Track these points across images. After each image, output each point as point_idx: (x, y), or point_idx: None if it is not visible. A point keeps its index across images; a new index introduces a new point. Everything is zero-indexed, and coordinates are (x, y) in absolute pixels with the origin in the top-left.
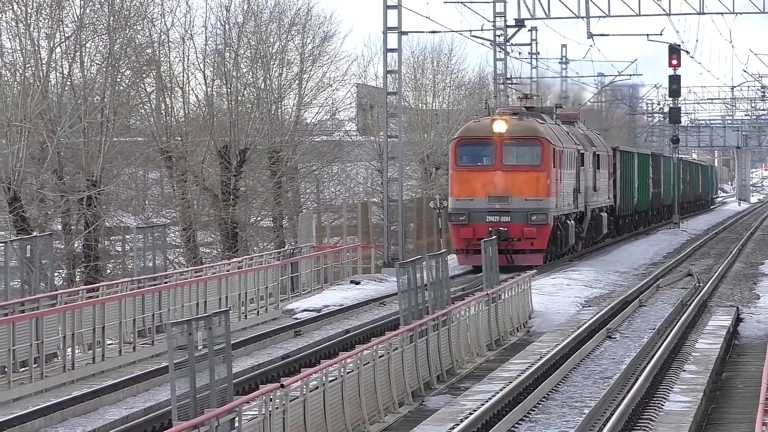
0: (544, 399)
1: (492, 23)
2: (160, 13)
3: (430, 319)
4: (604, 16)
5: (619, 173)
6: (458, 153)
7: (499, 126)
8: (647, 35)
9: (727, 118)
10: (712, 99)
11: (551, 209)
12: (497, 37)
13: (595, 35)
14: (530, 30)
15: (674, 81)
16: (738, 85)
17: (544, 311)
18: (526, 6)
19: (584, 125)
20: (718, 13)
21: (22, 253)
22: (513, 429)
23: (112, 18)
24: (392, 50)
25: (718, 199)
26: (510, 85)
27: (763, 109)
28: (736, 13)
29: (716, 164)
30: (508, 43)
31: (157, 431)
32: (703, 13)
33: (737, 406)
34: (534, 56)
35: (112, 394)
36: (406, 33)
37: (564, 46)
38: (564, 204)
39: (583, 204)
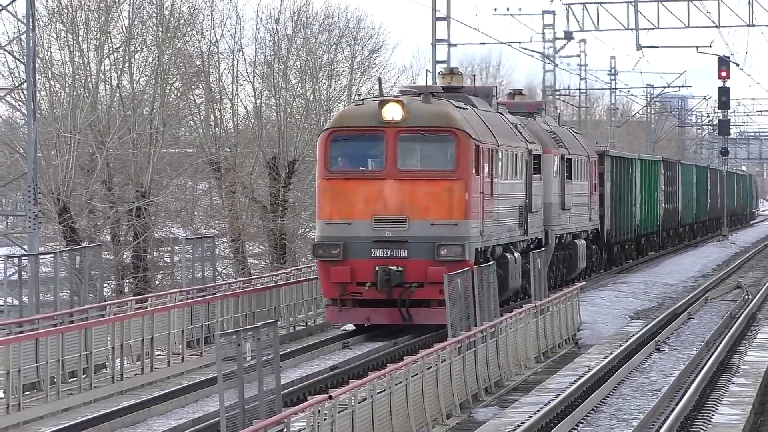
0: (592, 411)
1: (541, 35)
2: (209, 24)
3: (478, 331)
4: (653, 28)
5: (609, 186)
6: (329, 152)
7: (392, 111)
8: (696, 47)
9: None
10: (761, 111)
11: (471, 238)
12: (546, 49)
13: (644, 47)
14: (579, 42)
15: (723, 93)
16: None
17: (592, 323)
18: (575, 18)
19: (554, 119)
20: (767, 25)
21: (71, 263)
22: None
23: (160, 29)
24: (441, 62)
25: (762, 212)
26: (559, 97)
27: None
28: None
29: (766, 176)
30: (557, 55)
31: None
32: (753, 25)
33: None
34: (583, 68)
35: (161, 405)
36: (455, 45)
37: (613, 57)
38: (499, 230)
39: (541, 229)
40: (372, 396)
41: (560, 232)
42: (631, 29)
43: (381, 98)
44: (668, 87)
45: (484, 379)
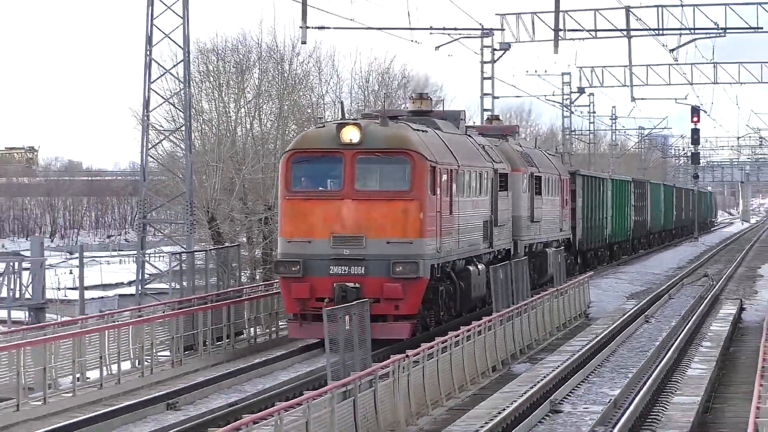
0: (598, 366)
1: (561, 90)
2: (317, 82)
3: (515, 308)
4: (643, 85)
5: (581, 201)
6: (291, 173)
7: (350, 134)
8: (675, 99)
9: (734, 160)
10: (723, 146)
11: (426, 255)
12: (564, 100)
13: (636, 99)
14: (589, 95)
15: (695, 133)
16: (742, 136)
17: (598, 302)
18: (586, 77)
19: (529, 141)
20: (728, 83)
21: (218, 258)
22: (576, 387)
23: (281, 86)
24: (487, 110)
25: (719, 220)
26: (574, 136)
27: (761, 154)
28: (741, 83)
29: (726, 194)
30: (572, 105)
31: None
32: (717, 83)
33: (741, 373)
34: (591, 114)
35: (283, 361)
36: (497, 97)
37: (614, 106)
38: (460, 245)
39: (509, 240)
40: (437, 354)
41: (529, 242)
42: (627, 86)
43: (340, 121)
44: (654, 128)
45: (519, 344)
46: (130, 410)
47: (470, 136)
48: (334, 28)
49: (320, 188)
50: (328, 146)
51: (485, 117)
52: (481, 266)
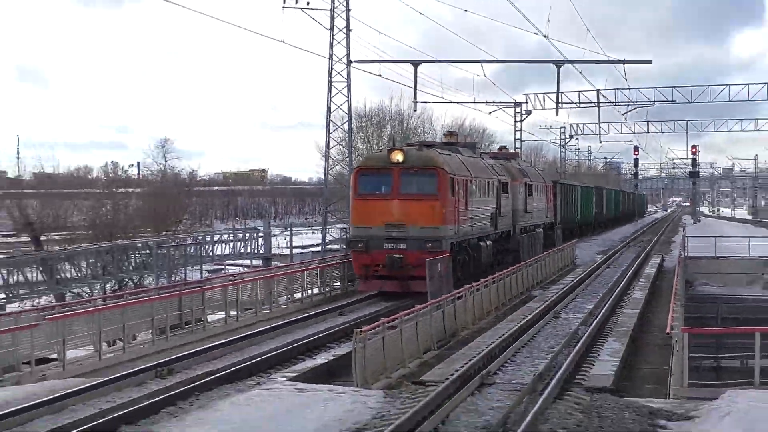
0: (581, 291)
1: (559, 136)
2: (422, 131)
3: (531, 260)
4: (606, 133)
5: (559, 199)
6: (358, 182)
7: (397, 156)
8: (624, 141)
9: (657, 176)
10: (651, 168)
11: (447, 236)
12: (561, 142)
13: (603, 141)
14: (575, 139)
15: (636, 162)
16: (662, 162)
17: (581, 255)
18: (573, 129)
19: (526, 163)
20: (655, 132)
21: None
22: (568, 304)
23: (403, 134)
24: (518, 148)
25: (649, 210)
26: (568, 163)
27: (673, 173)
28: (663, 132)
29: (653, 196)
30: (566, 145)
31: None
32: (648, 132)
33: (663, 296)
34: (577, 150)
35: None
36: (524, 141)
37: (590, 145)
38: (473, 229)
39: (510, 225)
40: (490, 285)
41: (524, 225)
42: (596, 134)
43: (390, 148)
44: (613, 158)
45: (534, 279)
46: (313, 317)
47: (482, 158)
48: (432, 102)
49: (377, 192)
50: (382, 164)
51: (497, 147)
52: (489, 242)
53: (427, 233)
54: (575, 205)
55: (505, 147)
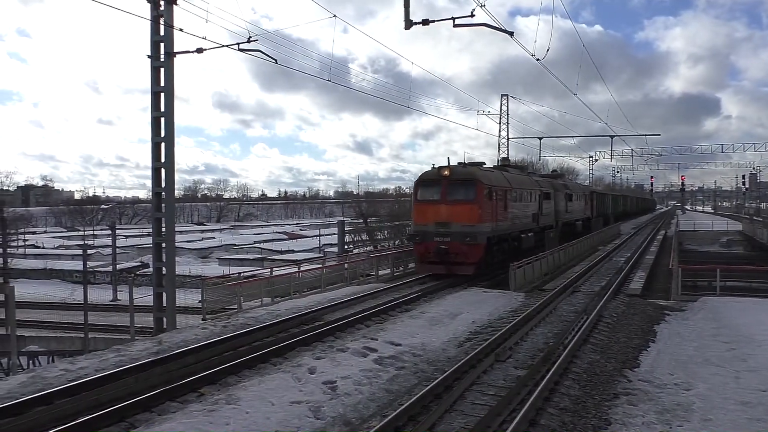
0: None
1: (589, 160)
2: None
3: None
4: (635, 168)
5: (595, 203)
6: (418, 191)
7: (445, 171)
8: (645, 173)
9: (664, 191)
10: (661, 187)
11: (482, 233)
12: (589, 163)
13: (634, 173)
14: (619, 172)
15: (651, 184)
16: (666, 184)
17: (623, 228)
18: (618, 168)
19: (570, 180)
20: (662, 168)
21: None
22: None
23: None
24: (554, 170)
25: (658, 208)
26: (591, 176)
27: (669, 188)
28: (666, 168)
29: (659, 200)
30: (592, 166)
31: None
32: (658, 168)
33: (666, 250)
34: (621, 178)
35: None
36: (594, 173)
37: (628, 177)
38: (514, 226)
39: (552, 221)
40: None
41: (564, 221)
42: (631, 168)
43: (441, 166)
44: (617, 174)
45: (598, 243)
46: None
47: (529, 176)
48: (548, 156)
49: (430, 198)
50: (435, 177)
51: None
52: (530, 234)
53: (466, 229)
54: (607, 206)
55: (555, 170)
